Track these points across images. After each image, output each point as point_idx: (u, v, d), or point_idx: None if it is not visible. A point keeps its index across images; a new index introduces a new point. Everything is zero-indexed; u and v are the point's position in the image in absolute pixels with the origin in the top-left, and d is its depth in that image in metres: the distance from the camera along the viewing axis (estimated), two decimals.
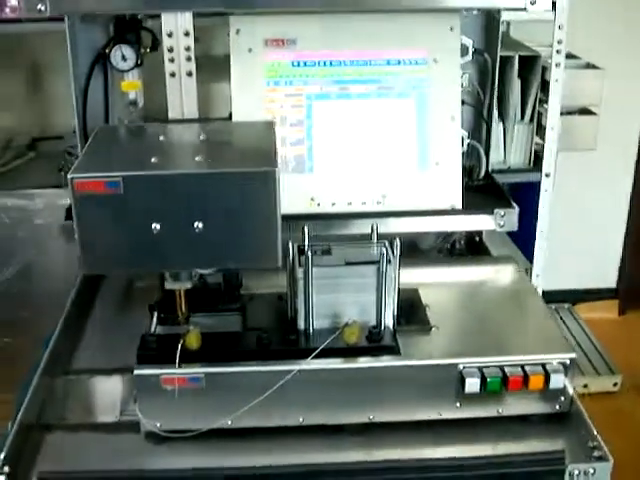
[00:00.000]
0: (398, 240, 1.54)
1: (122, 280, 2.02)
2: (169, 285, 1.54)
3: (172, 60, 2.07)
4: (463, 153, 1.95)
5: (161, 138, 1.55)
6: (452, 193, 1.88)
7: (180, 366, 1.47)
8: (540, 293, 2.28)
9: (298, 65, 1.84)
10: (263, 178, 1.38)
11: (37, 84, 3.33)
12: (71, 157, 3.00)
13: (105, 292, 2.00)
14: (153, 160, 1.42)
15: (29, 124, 3.34)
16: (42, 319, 2.94)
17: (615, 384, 3.38)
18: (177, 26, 1.92)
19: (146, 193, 1.37)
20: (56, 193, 2.85)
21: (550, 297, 2.18)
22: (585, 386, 3.26)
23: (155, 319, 1.61)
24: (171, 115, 1.98)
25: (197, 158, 1.43)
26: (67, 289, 2.82)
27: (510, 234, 2.33)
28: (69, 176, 1.36)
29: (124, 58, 1.92)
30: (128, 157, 1.55)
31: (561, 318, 3.80)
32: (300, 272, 1.52)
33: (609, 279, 4.06)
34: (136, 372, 1.48)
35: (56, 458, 1.50)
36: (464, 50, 1.94)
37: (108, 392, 1.67)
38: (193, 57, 2.05)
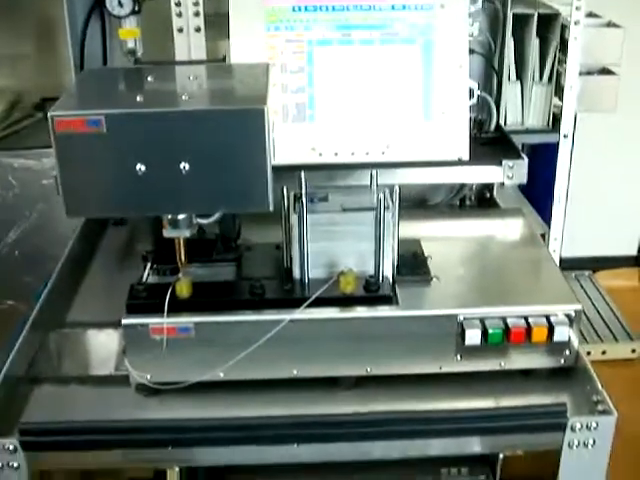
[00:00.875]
0: (397, 187, 1.49)
1: (121, 233, 1.98)
2: (167, 233, 1.47)
3: (179, 15, 2.02)
4: (473, 105, 1.89)
5: (149, 79, 1.50)
6: (459, 144, 1.81)
7: (169, 315, 1.42)
8: (558, 258, 2.23)
9: (299, 10, 1.79)
10: (251, 116, 1.32)
11: (47, 43, 3.29)
12: None
13: (104, 246, 1.97)
14: (138, 99, 1.37)
15: (37, 84, 3.30)
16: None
17: (633, 351, 3.32)
18: None
19: (130, 132, 1.32)
20: None
21: (570, 264, 2.13)
22: (603, 353, 3.21)
23: (147, 269, 1.56)
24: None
25: (184, 97, 1.38)
26: None
27: (528, 197, 2.27)
28: (49, 114, 1.31)
29: (120, 4, 1.87)
30: (112, 96, 1.49)
31: (581, 285, 3.74)
32: (294, 219, 1.46)
33: (630, 246, 4.00)
34: (124, 321, 1.44)
35: (43, 411, 1.46)
36: None
37: (103, 346, 1.64)
38: (202, 12, 2.00)
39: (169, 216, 1.43)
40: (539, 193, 2.23)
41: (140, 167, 1.33)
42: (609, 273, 3.88)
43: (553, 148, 2.73)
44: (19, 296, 3.01)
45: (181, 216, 1.43)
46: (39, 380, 1.54)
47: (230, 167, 1.35)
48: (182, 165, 1.33)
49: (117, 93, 1.52)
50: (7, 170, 2.84)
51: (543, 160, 2.28)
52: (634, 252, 3.99)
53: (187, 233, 1.47)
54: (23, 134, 3.08)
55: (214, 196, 1.38)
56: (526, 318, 1.45)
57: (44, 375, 1.56)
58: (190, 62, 1.84)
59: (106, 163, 1.34)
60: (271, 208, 1.40)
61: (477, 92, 1.93)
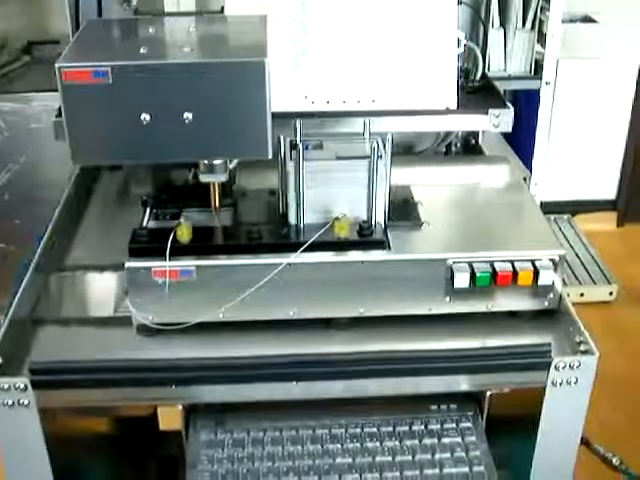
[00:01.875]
0: (390, 135, 1.54)
1: (116, 178, 2.02)
2: (204, 178, 1.54)
3: None
4: (460, 55, 1.93)
5: (151, 30, 1.53)
6: (447, 93, 1.85)
7: (170, 259, 1.47)
8: (538, 202, 2.29)
9: None
10: (253, 68, 1.36)
11: None
12: None
13: (99, 190, 2.01)
14: (142, 50, 1.41)
15: (24, 28, 3.31)
16: (36, 225, 2.97)
17: (611, 293, 3.40)
18: None
19: (134, 83, 1.36)
20: (53, 96, 2.83)
21: (549, 208, 2.19)
22: (582, 295, 3.29)
23: (147, 214, 1.61)
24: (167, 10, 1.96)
25: (186, 49, 1.42)
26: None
27: (510, 143, 2.32)
28: (56, 65, 1.35)
29: None
30: (117, 47, 1.54)
31: (560, 229, 3.81)
32: (291, 166, 1.51)
33: (608, 191, 4.07)
34: (127, 265, 1.48)
35: (48, 350, 1.51)
36: None
37: (102, 289, 1.69)
38: None
39: (205, 161, 1.50)
40: (521, 138, 2.27)
41: (144, 116, 1.38)
42: (587, 217, 3.95)
43: (535, 94, 2.78)
44: (9, 239, 3.06)
45: (217, 161, 1.50)
46: (42, 322, 1.59)
47: (231, 117, 1.40)
48: (185, 115, 1.38)
49: (121, 45, 1.56)
50: None
51: (525, 106, 2.33)
52: (613, 196, 4.06)
53: (223, 178, 1.54)
54: (10, 77, 3.10)
55: (216, 144, 1.43)
56: (512, 262, 1.51)
57: (46, 317, 1.61)
58: (190, 13, 1.86)
59: (111, 113, 1.38)
60: (270, 156, 1.45)
61: (464, 42, 1.96)
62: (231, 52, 1.44)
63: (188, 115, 1.38)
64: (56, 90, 2.78)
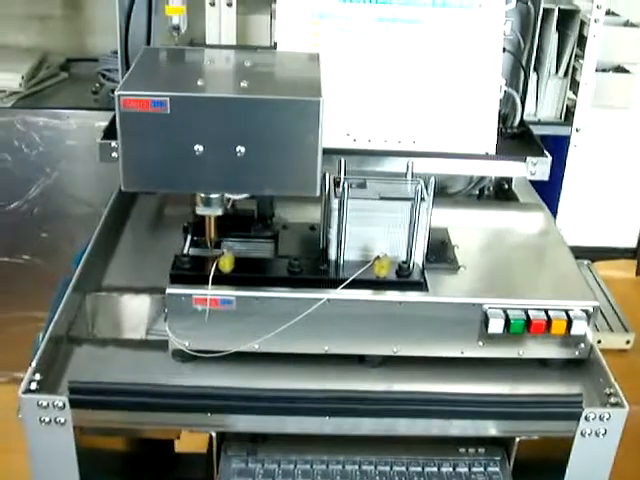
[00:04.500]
0: (433, 178, 1.56)
1: (153, 203, 2.05)
2: (200, 211, 1.55)
3: None
4: (499, 100, 1.95)
5: (207, 62, 1.57)
6: (487, 139, 1.88)
7: (212, 287, 1.50)
8: None
9: (344, 0, 1.85)
10: (308, 107, 1.39)
11: (74, 4, 3.34)
12: (105, 79, 3.02)
13: (136, 215, 2.03)
14: (199, 82, 1.44)
15: (63, 44, 3.35)
16: (61, 240, 3.01)
17: (627, 342, 3.41)
18: None
19: (191, 114, 1.39)
20: (89, 114, 2.88)
21: None
22: (598, 342, 3.29)
23: (189, 241, 1.63)
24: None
25: (243, 84, 1.45)
26: (90, 212, 2.87)
27: (533, 185, 2.34)
28: (116, 93, 1.38)
29: None
30: (174, 78, 1.56)
31: None
32: (335, 203, 1.54)
33: (629, 239, 4.08)
34: (168, 291, 1.51)
35: (84, 370, 1.54)
36: None
37: (136, 311, 1.70)
38: None
39: (202, 195, 1.52)
40: (544, 183, 2.29)
41: (198, 147, 1.40)
42: (607, 264, 3.97)
43: (560, 140, 2.82)
44: (35, 251, 3.10)
45: (213, 195, 1.52)
46: (78, 340, 1.62)
47: (283, 153, 1.43)
48: (238, 148, 1.41)
49: (178, 75, 1.59)
50: (32, 128, 2.89)
51: (550, 151, 2.34)
52: (633, 244, 4.08)
53: (219, 212, 1.56)
54: (47, 93, 3.14)
55: (266, 179, 1.46)
56: (546, 311, 1.53)
57: (82, 336, 1.64)
58: (243, 47, 1.90)
59: (166, 142, 1.41)
60: (318, 193, 1.48)
61: (504, 88, 1.99)
62: (287, 89, 1.47)
63: (241, 149, 1.41)
64: (93, 108, 2.85)
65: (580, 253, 3.79)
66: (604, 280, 3.80)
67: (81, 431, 1.46)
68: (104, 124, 1.83)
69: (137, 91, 1.38)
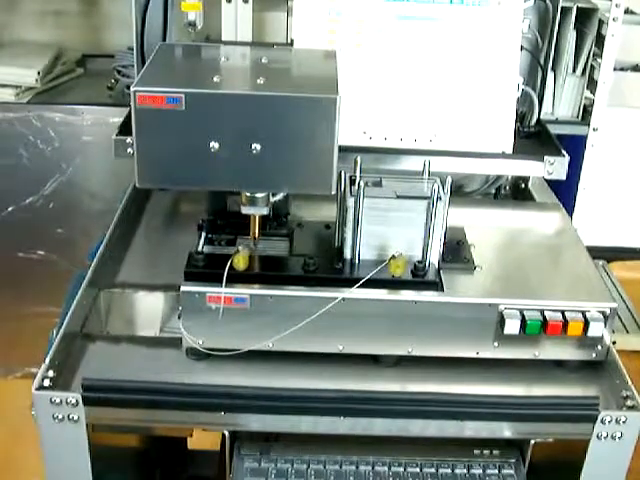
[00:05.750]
0: (450, 178, 1.55)
1: (168, 200, 2.04)
2: (245, 210, 1.55)
3: None
4: (517, 99, 1.94)
5: (222, 58, 1.56)
6: (504, 138, 1.87)
7: (226, 285, 1.49)
8: None
9: None
10: (325, 104, 1.38)
11: (90, 1, 3.34)
12: (120, 75, 3.02)
13: (150, 211, 2.02)
14: (215, 79, 1.43)
15: (80, 40, 3.35)
16: (76, 235, 3.02)
17: None
18: None
19: (207, 111, 1.38)
20: (105, 111, 2.88)
21: None
22: (613, 343, 3.27)
23: (203, 238, 1.62)
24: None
25: (259, 80, 1.44)
26: (105, 208, 2.88)
27: (548, 184, 2.33)
28: (132, 89, 1.37)
29: None
30: (190, 74, 1.56)
31: None
32: (351, 201, 1.53)
33: None
34: (182, 289, 1.50)
35: (98, 367, 1.53)
36: None
37: (150, 308, 1.70)
38: None
39: (247, 194, 1.51)
40: (559, 182, 2.28)
41: (213, 144, 1.39)
42: (622, 264, 3.93)
43: (576, 139, 2.80)
44: (51, 247, 3.11)
45: (259, 195, 1.51)
46: (91, 337, 1.61)
47: (299, 150, 1.42)
48: (253, 145, 1.40)
49: (194, 71, 1.58)
50: (48, 124, 2.90)
51: (566, 150, 2.33)
52: None
53: (265, 211, 1.55)
54: (63, 89, 3.14)
55: (280, 177, 1.45)
56: (563, 312, 1.52)
57: (95, 332, 1.64)
58: (260, 44, 1.89)
59: (181, 138, 1.40)
60: (333, 191, 1.47)
61: (522, 86, 1.97)
62: (304, 87, 1.45)
63: (256, 146, 1.40)
64: (108, 104, 2.85)
65: (595, 253, 3.78)
66: (619, 281, 3.77)
67: (93, 428, 1.46)
68: (119, 120, 1.83)
69: (152, 87, 1.37)
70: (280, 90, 1.41)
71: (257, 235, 1.60)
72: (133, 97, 1.37)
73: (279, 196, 1.52)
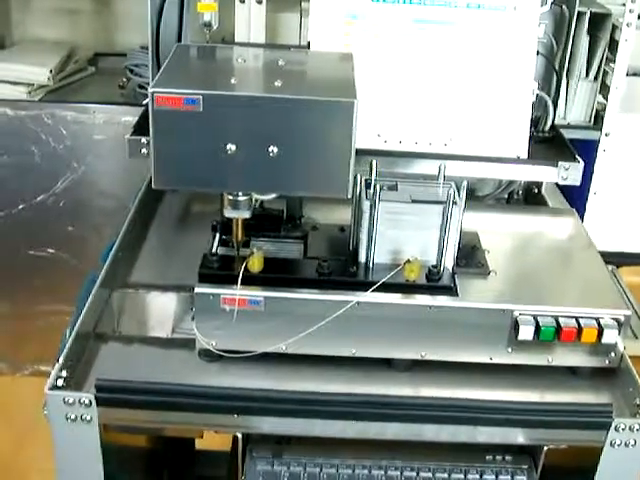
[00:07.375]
0: (466, 182, 1.55)
1: (181, 200, 2.04)
2: (228, 213, 1.54)
3: None
4: (532, 104, 1.94)
5: (240, 60, 1.56)
6: (519, 143, 1.87)
7: (240, 287, 1.49)
8: None
9: (377, 0, 1.83)
10: (343, 108, 1.38)
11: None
12: (132, 74, 3.02)
13: (163, 211, 2.02)
14: (233, 81, 1.43)
15: (92, 39, 3.36)
16: (87, 233, 3.02)
17: None
18: None
19: (224, 113, 1.38)
20: (116, 110, 2.88)
21: None
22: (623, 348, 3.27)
23: (217, 239, 1.62)
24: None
25: (277, 83, 1.43)
26: (116, 206, 2.88)
27: (559, 188, 2.32)
28: (150, 90, 1.37)
29: None
30: (208, 76, 1.56)
31: None
32: (366, 205, 1.52)
33: None
34: (197, 290, 1.50)
35: (110, 367, 1.53)
36: (544, 0, 1.91)
37: (163, 309, 1.70)
38: None
39: (230, 197, 1.50)
40: (571, 187, 2.27)
41: (230, 147, 1.39)
42: (632, 269, 3.92)
43: (587, 144, 2.79)
44: (61, 245, 3.11)
45: (242, 197, 1.50)
46: (104, 337, 1.62)
47: (316, 154, 1.41)
48: (270, 148, 1.39)
49: (212, 73, 1.58)
50: (60, 122, 2.90)
51: (578, 155, 2.33)
52: None
53: (247, 214, 1.54)
54: (75, 87, 3.15)
55: (297, 180, 1.45)
56: (577, 319, 1.51)
57: (108, 333, 1.64)
58: (276, 46, 1.88)
59: (198, 140, 1.40)
60: (349, 195, 1.46)
61: (537, 91, 1.97)
62: (322, 90, 1.45)
63: (273, 149, 1.39)
64: (120, 103, 2.85)
65: (605, 258, 3.77)
66: (629, 286, 3.75)
67: (105, 428, 1.46)
68: (130, 119, 1.83)
69: (171, 88, 1.37)
70: (298, 93, 1.40)
71: (240, 238, 1.58)
72: (151, 98, 1.36)
73: (269, 197, 1.52)
